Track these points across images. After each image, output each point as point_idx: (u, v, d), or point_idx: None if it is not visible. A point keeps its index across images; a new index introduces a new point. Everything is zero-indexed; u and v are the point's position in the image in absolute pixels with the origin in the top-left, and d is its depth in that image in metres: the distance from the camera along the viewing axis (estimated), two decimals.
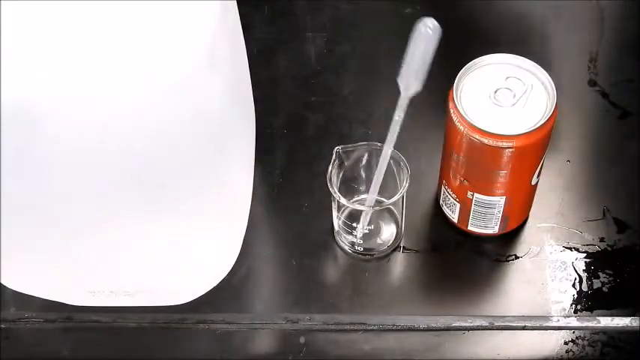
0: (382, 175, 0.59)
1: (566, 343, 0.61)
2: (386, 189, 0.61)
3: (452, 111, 0.58)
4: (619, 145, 0.70)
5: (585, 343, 0.61)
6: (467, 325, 0.61)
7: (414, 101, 0.55)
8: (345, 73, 0.75)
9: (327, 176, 0.61)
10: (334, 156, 0.61)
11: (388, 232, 0.65)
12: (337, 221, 0.64)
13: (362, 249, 0.64)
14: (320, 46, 0.77)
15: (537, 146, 0.59)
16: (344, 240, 0.64)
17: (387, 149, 0.58)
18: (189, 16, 0.47)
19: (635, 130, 0.71)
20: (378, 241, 0.65)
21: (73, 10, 0.46)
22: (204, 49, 0.48)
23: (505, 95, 0.58)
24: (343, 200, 0.61)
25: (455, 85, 0.58)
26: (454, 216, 0.64)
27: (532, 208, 0.66)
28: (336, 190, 0.61)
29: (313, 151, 0.70)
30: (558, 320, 0.61)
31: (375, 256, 0.64)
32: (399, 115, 0.56)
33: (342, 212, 0.64)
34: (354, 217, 0.63)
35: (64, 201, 0.50)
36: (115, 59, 0.46)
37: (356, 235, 0.63)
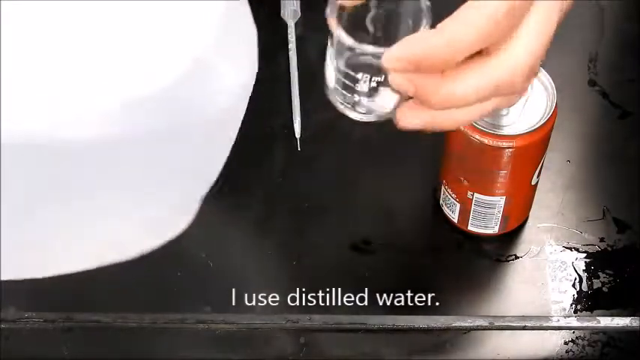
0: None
1: (566, 343, 0.61)
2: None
3: None
4: (619, 145, 0.70)
5: (585, 343, 0.61)
6: (467, 325, 0.61)
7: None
8: None
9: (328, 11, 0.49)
10: None
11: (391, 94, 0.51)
12: (335, 73, 0.52)
13: (364, 110, 0.52)
14: (320, 46, 0.77)
15: (537, 146, 0.59)
16: (343, 99, 0.53)
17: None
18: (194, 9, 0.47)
19: (635, 130, 0.71)
20: (386, 99, 0.51)
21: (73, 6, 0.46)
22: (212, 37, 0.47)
23: None
24: (349, 40, 0.48)
25: None
26: (454, 216, 0.64)
27: (532, 208, 0.66)
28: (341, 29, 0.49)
29: (313, 151, 0.70)
30: (558, 320, 0.61)
31: (377, 119, 0.52)
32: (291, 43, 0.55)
33: (345, 60, 0.52)
34: (357, 68, 0.51)
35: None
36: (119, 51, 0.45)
37: (359, 91, 0.51)
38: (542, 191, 0.65)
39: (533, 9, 0.45)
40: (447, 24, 0.44)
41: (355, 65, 0.50)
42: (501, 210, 0.62)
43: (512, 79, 0.45)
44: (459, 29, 0.44)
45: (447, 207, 0.65)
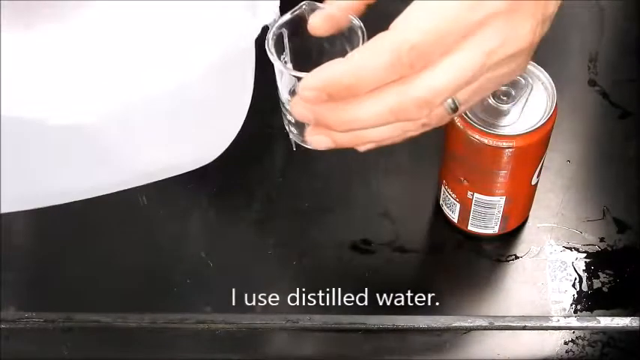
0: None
1: (566, 343, 0.61)
2: None
3: None
4: (619, 145, 0.70)
5: (585, 343, 0.61)
6: (467, 325, 0.61)
7: None
8: None
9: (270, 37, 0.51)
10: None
11: None
12: (280, 99, 0.54)
13: (296, 135, 0.55)
14: (320, 46, 0.77)
15: (537, 146, 0.59)
16: (286, 123, 0.56)
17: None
18: None
19: (635, 130, 0.71)
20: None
21: None
22: None
23: (505, 95, 0.58)
24: (277, 63, 0.51)
25: None
26: (454, 216, 0.64)
27: (532, 208, 0.66)
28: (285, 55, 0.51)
29: (313, 151, 0.69)
30: (558, 320, 0.61)
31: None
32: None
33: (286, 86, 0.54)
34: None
35: None
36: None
37: (289, 118, 0.54)
38: (543, 191, 0.65)
39: (459, 47, 0.44)
40: (355, 53, 0.45)
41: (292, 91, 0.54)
42: (501, 210, 0.62)
43: (405, 107, 0.45)
44: (364, 60, 0.45)
45: (447, 207, 0.65)
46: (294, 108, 0.48)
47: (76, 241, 0.66)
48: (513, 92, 0.58)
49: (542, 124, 0.57)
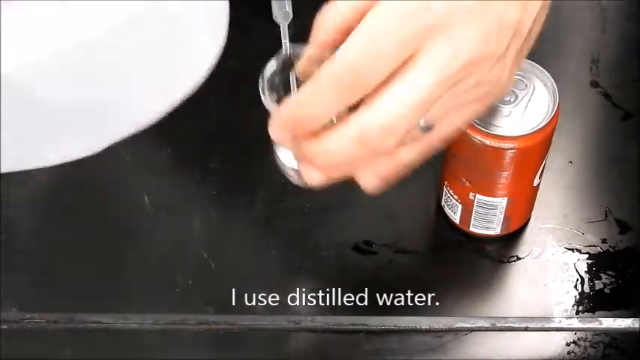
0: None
1: (568, 344, 0.61)
2: None
3: None
4: (621, 147, 0.70)
5: (587, 344, 0.61)
6: (468, 326, 0.61)
7: None
8: None
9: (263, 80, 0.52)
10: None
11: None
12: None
13: (283, 168, 0.57)
14: None
15: (539, 147, 0.59)
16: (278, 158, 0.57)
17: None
18: None
19: (637, 132, 0.71)
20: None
21: None
22: None
23: (507, 96, 0.58)
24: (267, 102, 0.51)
25: None
26: (456, 217, 0.64)
27: (534, 209, 0.66)
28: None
29: None
30: (560, 321, 0.61)
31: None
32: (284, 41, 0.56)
33: None
34: None
35: None
36: None
37: (278, 153, 0.56)
38: (544, 192, 0.65)
39: (409, 66, 0.44)
40: (306, 85, 0.45)
41: None
42: (503, 211, 0.62)
43: (369, 136, 0.45)
44: (310, 90, 0.45)
45: (449, 208, 0.64)
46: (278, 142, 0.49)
47: (77, 242, 0.66)
48: (515, 93, 0.58)
49: (545, 125, 0.57)
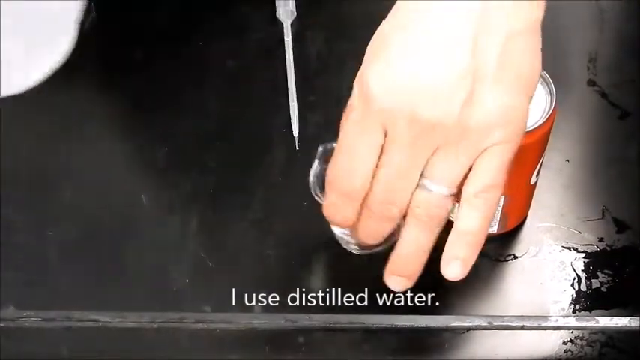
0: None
1: (564, 342, 0.61)
2: None
3: None
4: (618, 145, 0.70)
5: (584, 342, 0.61)
6: (466, 324, 0.61)
7: None
8: (345, 72, 0.75)
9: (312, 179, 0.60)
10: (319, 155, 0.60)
11: None
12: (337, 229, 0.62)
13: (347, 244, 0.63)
14: (320, 46, 0.77)
15: (537, 146, 0.59)
16: (349, 245, 0.63)
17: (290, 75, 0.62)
18: None
19: (634, 131, 0.71)
20: None
21: None
22: None
23: None
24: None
25: None
26: (453, 216, 0.64)
27: (531, 208, 0.66)
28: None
29: (313, 151, 0.69)
30: (557, 320, 0.61)
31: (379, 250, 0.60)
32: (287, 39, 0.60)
33: None
34: None
35: None
36: None
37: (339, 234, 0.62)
38: (541, 191, 0.65)
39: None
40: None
41: None
42: (500, 209, 0.62)
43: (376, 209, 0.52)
44: (335, 157, 0.52)
45: None
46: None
47: (75, 240, 0.66)
48: None
49: (542, 124, 0.57)
